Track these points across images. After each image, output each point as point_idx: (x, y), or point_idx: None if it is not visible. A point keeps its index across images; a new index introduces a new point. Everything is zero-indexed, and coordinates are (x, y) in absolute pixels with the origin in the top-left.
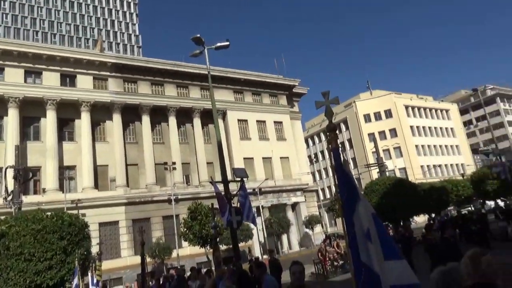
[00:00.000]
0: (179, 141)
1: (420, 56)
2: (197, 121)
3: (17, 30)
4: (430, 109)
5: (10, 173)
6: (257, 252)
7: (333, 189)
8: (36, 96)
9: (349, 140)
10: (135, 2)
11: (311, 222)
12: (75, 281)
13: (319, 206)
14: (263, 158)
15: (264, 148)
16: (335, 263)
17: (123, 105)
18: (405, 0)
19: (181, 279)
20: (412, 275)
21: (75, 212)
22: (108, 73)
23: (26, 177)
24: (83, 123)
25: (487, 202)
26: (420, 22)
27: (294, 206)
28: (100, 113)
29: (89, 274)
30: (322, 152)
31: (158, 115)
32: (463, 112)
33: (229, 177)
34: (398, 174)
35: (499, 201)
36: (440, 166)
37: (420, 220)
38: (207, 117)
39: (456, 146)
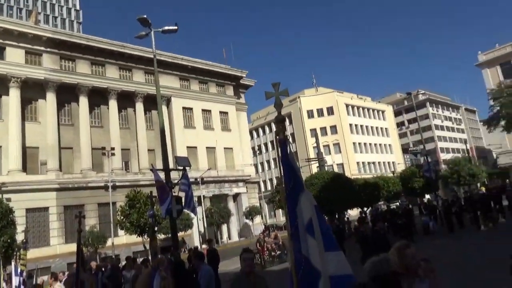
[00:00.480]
0: (120, 126)
1: (363, 57)
2: (139, 106)
3: None
4: (368, 109)
5: None
6: (196, 241)
7: (274, 181)
8: None
9: (292, 135)
10: None
11: (251, 213)
12: None
13: (260, 198)
14: (207, 147)
15: (208, 138)
16: (273, 253)
17: (58, 84)
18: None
19: (115, 269)
20: (347, 266)
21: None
22: (43, 48)
23: None
24: (12, 100)
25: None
26: (364, 26)
27: (236, 197)
28: (32, 90)
29: (13, 263)
30: (265, 144)
31: (98, 97)
32: (397, 113)
33: (171, 165)
34: (336, 169)
35: (428, 196)
36: (374, 163)
37: (353, 213)
38: (151, 102)
39: (389, 145)
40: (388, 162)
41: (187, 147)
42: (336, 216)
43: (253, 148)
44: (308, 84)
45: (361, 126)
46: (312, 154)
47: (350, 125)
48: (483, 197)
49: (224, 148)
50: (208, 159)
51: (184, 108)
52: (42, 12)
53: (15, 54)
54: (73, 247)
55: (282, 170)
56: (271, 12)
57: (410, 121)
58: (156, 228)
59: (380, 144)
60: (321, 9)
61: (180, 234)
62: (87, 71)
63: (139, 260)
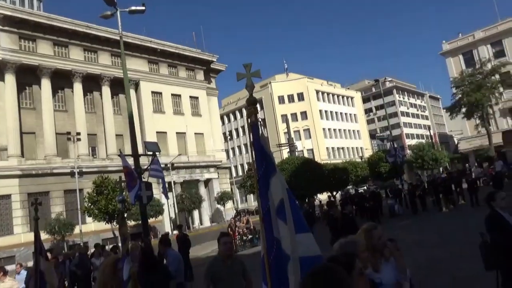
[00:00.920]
0: (85, 110)
1: (334, 44)
2: (106, 90)
3: None
4: (338, 96)
5: None
6: (167, 228)
7: (246, 167)
8: None
9: (263, 120)
10: None
11: (223, 198)
12: None
13: (232, 183)
14: (177, 133)
15: (178, 123)
16: (244, 238)
17: (18, 65)
18: None
19: (83, 257)
20: (316, 248)
21: None
22: (0, 27)
23: None
24: None
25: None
26: (334, 13)
27: (207, 182)
28: None
29: None
30: (237, 130)
31: (61, 79)
32: (365, 100)
33: (141, 150)
34: (306, 155)
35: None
36: (342, 148)
37: (323, 197)
38: (118, 86)
39: (358, 131)
40: (357, 148)
41: (157, 132)
42: (306, 200)
43: (224, 134)
44: (279, 70)
45: (331, 112)
46: (283, 140)
47: (320, 111)
48: (445, 180)
49: (195, 133)
50: (178, 145)
51: (153, 92)
52: None
53: None
54: None
55: (253, 154)
56: None
57: (378, 108)
58: (125, 215)
59: (349, 130)
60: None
61: (151, 220)
62: (49, 52)
63: (108, 247)
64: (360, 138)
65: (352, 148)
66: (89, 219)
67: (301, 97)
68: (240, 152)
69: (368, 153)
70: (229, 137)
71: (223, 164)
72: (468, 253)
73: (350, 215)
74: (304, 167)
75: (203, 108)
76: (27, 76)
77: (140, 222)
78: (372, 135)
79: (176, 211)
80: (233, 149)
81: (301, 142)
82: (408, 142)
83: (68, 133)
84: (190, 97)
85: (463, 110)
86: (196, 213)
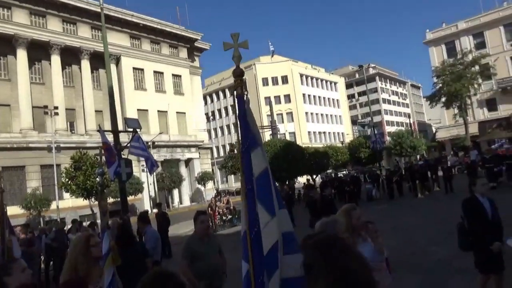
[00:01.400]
0: (64, 84)
1: (320, 28)
2: (85, 64)
3: None
4: (322, 80)
5: None
6: (147, 206)
7: (227, 147)
8: None
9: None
10: None
11: (203, 178)
12: None
13: (213, 164)
14: (158, 111)
15: (160, 101)
16: (224, 218)
17: None
18: None
19: (60, 232)
20: (289, 224)
21: None
22: None
23: None
24: None
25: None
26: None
27: (188, 162)
28: None
29: None
30: (219, 110)
31: (38, 51)
32: (348, 86)
33: (121, 127)
34: (288, 138)
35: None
36: (324, 133)
37: (303, 180)
38: (98, 61)
39: (340, 116)
40: (338, 133)
41: (138, 109)
42: (287, 182)
43: (206, 114)
44: (264, 51)
45: (314, 96)
46: (265, 122)
47: (304, 95)
48: (421, 167)
49: (177, 112)
50: (159, 123)
51: (134, 68)
52: None
53: None
54: (13, 209)
55: (239, 127)
56: None
57: (360, 94)
58: (105, 190)
59: (331, 115)
60: None
61: (130, 198)
62: (26, 22)
63: (86, 223)
64: (342, 124)
65: (334, 133)
66: (66, 195)
67: (285, 80)
68: (222, 133)
69: (349, 138)
70: (211, 118)
71: (204, 144)
72: (442, 236)
73: (329, 197)
74: (285, 150)
75: (185, 87)
76: (1, 46)
77: (119, 199)
78: (354, 121)
79: (156, 189)
80: (215, 129)
81: (284, 125)
82: (388, 129)
83: (45, 106)
84: (173, 75)
85: (443, 99)
86: (176, 192)
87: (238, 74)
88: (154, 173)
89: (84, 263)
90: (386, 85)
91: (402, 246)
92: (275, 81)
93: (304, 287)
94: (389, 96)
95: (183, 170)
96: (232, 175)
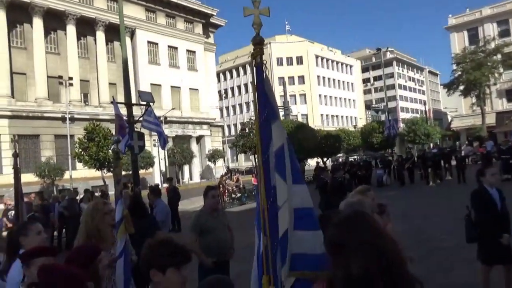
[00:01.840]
0: (78, 55)
1: (338, 10)
2: (100, 35)
3: None
4: (337, 62)
5: None
6: (157, 180)
7: (239, 126)
8: None
9: None
10: None
11: (214, 156)
12: None
13: (224, 142)
14: (171, 86)
15: (173, 76)
16: (233, 195)
17: (8, 1)
18: None
19: (72, 201)
20: (309, 200)
21: None
22: None
23: None
24: None
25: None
26: None
27: (199, 139)
28: None
29: None
30: (232, 89)
31: (54, 20)
32: (364, 69)
33: (134, 101)
34: (300, 119)
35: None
36: (337, 116)
37: (312, 163)
38: (113, 33)
39: (353, 100)
40: (351, 117)
41: (151, 84)
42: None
43: (219, 92)
44: (279, 31)
45: (328, 78)
46: (278, 103)
47: (318, 76)
48: (435, 155)
49: (190, 88)
50: (172, 99)
51: (149, 42)
52: None
53: None
54: (27, 177)
55: (256, 97)
56: None
57: (376, 79)
58: (119, 155)
59: (344, 98)
60: None
61: (141, 172)
62: None
63: (98, 194)
64: (355, 108)
65: (346, 116)
66: (79, 165)
67: (300, 60)
68: (234, 112)
69: (361, 123)
70: (224, 96)
71: (216, 122)
72: (452, 225)
73: (339, 180)
74: (297, 131)
75: (199, 63)
76: (18, 13)
77: (130, 172)
78: (368, 106)
79: (167, 164)
80: (227, 108)
81: (296, 107)
82: (403, 115)
83: (60, 77)
84: (187, 50)
85: (461, 87)
86: (186, 168)
87: (258, 42)
88: (166, 149)
89: (99, 230)
90: (403, 71)
91: (410, 233)
92: (289, 61)
93: (322, 264)
94: (406, 82)
95: (194, 146)
96: (243, 154)
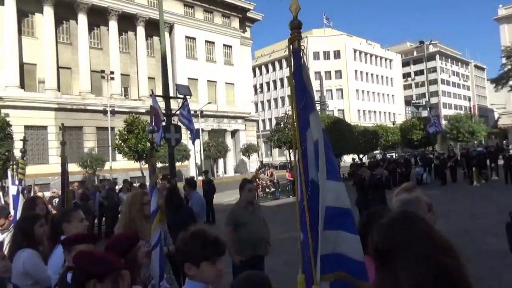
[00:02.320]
0: (119, 50)
1: (377, 0)
2: (140, 30)
3: None
4: (376, 56)
5: None
6: (192, 173)
7: (273, 121)
8: None
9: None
10: None
11: (248, 150)
12: None
13: (258, 136)
14: (208, 81)
15: (210, 71)
16: (267, 190)
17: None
18: None
19: (111, 191)
20: (346, 200)
21: None
22: None
23: None
24: (7, 12)
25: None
26: None
27: (234, 133)
28: (28, 3)
29: (9, 172)
30: (268, 83)
31: (97, 16)
32: (404, 64)
33: (172, 94)
34: (336, 115)
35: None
36: (374, 112)
37: (348, 159)
38: (152, 28)
39: (392, 95)
40: (389, 113)
41: (188, 78)
42: None
43: (254, 86)
44: (317, 24)
45: (366, 73)
46: (315, 98)
47: (355, 71)
48: (480, 154)
49: (226, 83)
50: (208, 93)
51: (187, 37)
52: None
53: None
54: (71, 167)
55: (293, 84)
56: None
57: (417, 73)
58: (154, 145)
59: (383, 94)
60: None
61: (177, 164)
62: None
63: (136, 184)
64: (394, 103)
65: (384, 112)
66: (119, 157)
67: (337, 55)
68: (269, 107)
69: (401, 119)
70: (259, 90)
71: (251, 116)
72: (499, 228)
73: (378, 177)
74: (334, 127)
75: (235, 57)
76: (64, 10)
77: (166, 164)
78: (407, 101)
79: (202, 158)
80: (262, 102)
81: (332, 102)
82: (445, 112)
83: (102, 71)
84: (224, 45)
85: (511, 82)
86: (221, 162)
87: (296, 26)
88: (201, 142)
89: (138, 219)
90: (446, 65)
91: (454, 234)
92: (326, 55)
93: (360, 272)
94: (449, 76)
95: (229, 140)
96: (277, 149)
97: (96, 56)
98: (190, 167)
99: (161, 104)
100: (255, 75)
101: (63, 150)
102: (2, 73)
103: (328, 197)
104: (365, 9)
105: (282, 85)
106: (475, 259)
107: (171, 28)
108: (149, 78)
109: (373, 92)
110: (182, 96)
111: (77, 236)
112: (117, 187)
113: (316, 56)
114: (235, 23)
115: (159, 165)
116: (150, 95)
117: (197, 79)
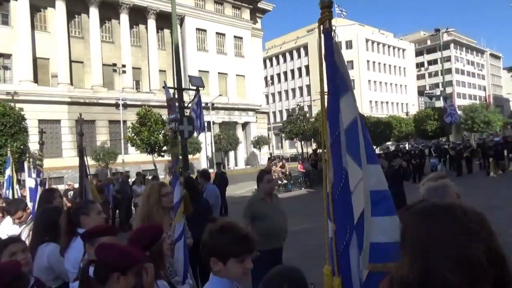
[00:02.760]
0: (131, 43)
1: None
2: (151, 23)
3: None
4: (389, 46)
5: None
6: (204, 165)
7: (284, 113)
8: None
9: (307, 67)
10: None
11: (259, 142)
12: (7, 172)
13: (269, 129)
14: (218, 73)
15: (221, 63)
16: (279, 182)
17: None
18: None
19: (124, 184)
20: (385, 181)
21: (11, 105)
22: None
23: None
24: (20, 7)
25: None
26: None
27: (245, 125)
28: None
29: (25, 164)
30: (278, 75)
31: (108, 10)
32: (417, 53)
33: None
34: None
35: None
36: (386, 102)
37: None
38: (163, 20)
39: (405, 85)
40: (402, 103)
41: (199, 70)
42: None
43: (265, 78)
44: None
45: (379, 63)
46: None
47: (368, 61)
48: (497, 144)
49: (236, 75)
50: (219, 85)
51: (197, 29)
52: None
53: None
54: None
55: (324, 67)
56: None
57: (430, 63)
58: (164, 148)
59: (395, 84)
60: None
61: (189, 157)
62: None
63: (149, 177)
64: (407, 94)
65: (397, 103)
66: (131, 150)
67: (349, 45)
68: (280, 98)
69: (414, 109)
70: (270, 82)
71: (262, 108)
72: None
73: (396, 168)
74: None
75: (246, 49)
76: (75, 4)
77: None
78: (420, 92)
79: (213, 150)
80: (273, 94)
81: None
82: (459, 102)
83: (114, 64)
84: (235, 37)
85: None
86: (232, 154)
87: (326, 5)
88: (212, 135)
89: (156, 211)
90: (461, 54)
91: None
92: (338, 45)
93: (396, 254)
94: (464, 66)
95: (239, 133)
96: (287, 141)
97: (107, 50)
98: (201, 160)
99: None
100: (265, 67)
101: (80, 140)
102: (16, 67)
103: (371, 181)
104: None
105: (293, 77)
106: None
107: (181, 20)
108: (160, 71)
109: (386, 83)
110: (194, 88)
111: (100, 228)
112: (130, 180)
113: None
114: (246, 14)
115: (170, 158)
116: (163, 87)
117: (208, 72)
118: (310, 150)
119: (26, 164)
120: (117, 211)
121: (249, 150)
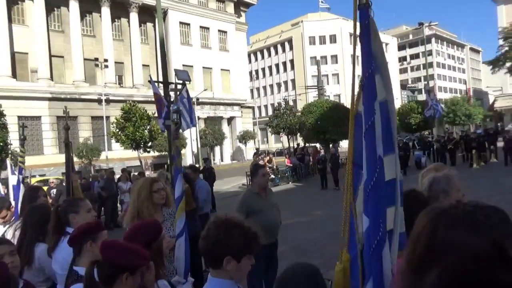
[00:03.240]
0: (113, 37)
1: None
2: (134, 17)
3: None
4: None
5: None
6: (189, 161)
7: (269, 107)
8: None
9: (291, 61)
10: None
11: (245, 137)
12: None
13: (254, 123)
14: (203, 67)
15: (205, 57)
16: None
17: None
18: None
19: (110, 180)
20: (393, 172)
21: None
22: None
23: None
24: None
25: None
26: None
27: (230, 120)
28: None
29: (8, 161)
30: (263, 69)
31: (89, 3)
32: (400, 47)
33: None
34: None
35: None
36: None
37: (344, 145)
38: (145, 14)
39: None
40: None
41: (183, 65)
42: (331, 145)
43: (250, 72)
44: (312, 8)
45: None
46: (310, 83)
47: (352, 55)
48: (479, 136)
49: (221, 69)
50: (204, 80)
51: (181, 23)
52: None
53: None
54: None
55: (361, 47)
56: None
57: (412, 57)
58: (150, 144)
59: None
60: None
61: None
62: None
63: (135, 173)
64: None
65: None
66: (115, 146)
67: (333, 39)
68: (265, 93)
69: (397, 103)
70: (254, 76)
71: (247, 103)
72: (505, 209)
73: None
74: (331, 111)
75: (231, 43)
76: None
77: (163, 153)
78: (403, 86)
79: (199, 146)
80: (257, 89)
81: (329, 87)
82: (440, 95)
83: (96, 59)
84: (219, 31)
85: (508, 64)
86: (217, 149)
87: None
88: (198, 130)
89: (146, 208)
90: (442, 48)
91: None
92: (322, 40)
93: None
94: (445, 60)
95: (225, 128)
96: (273, 136)
97: (89, 44)
98: (186, 155)
99: (160, 90)
100: (250, 61)
101: (66, 134)
102: None
103: (387, 172)
104: None
105: (278, 71)
106: None
107: (165, 14)
108: (143, 65)
109: None
110: (181, 82)
111: (90, 225)
112: (115, 176)
113: (312, 41)
114: (230, 8)
115: (155, 154)
116: (149, 81)
117: (192, 66)
118: (295, 145)
119: (8, 161)
120: (102, 208)
121: (235, 145)
